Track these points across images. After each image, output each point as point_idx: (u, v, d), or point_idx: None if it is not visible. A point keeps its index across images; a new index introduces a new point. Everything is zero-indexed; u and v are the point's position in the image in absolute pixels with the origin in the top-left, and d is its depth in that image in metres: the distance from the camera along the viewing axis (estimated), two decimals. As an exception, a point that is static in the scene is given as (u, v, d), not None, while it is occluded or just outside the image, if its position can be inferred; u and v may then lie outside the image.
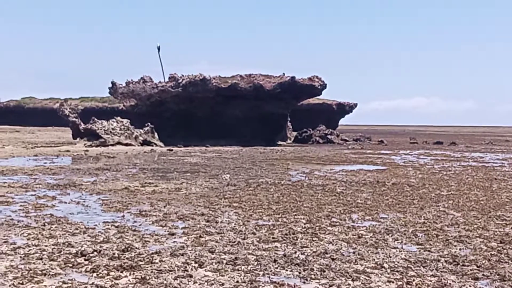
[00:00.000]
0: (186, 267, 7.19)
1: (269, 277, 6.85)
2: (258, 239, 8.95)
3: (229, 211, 11.70)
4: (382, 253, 8.22)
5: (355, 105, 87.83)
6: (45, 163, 23.23)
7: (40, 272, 6.82)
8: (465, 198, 14.39)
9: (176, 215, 11.06)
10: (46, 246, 8.22)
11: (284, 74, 44.63)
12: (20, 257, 7.57)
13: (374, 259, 7.80)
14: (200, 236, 9.07)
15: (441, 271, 7.28)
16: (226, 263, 7.41)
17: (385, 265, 7.50)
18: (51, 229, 9.49)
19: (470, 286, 6.66)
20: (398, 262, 7.67)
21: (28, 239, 8.65)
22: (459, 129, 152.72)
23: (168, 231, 9.53)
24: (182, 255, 7.83)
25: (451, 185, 17.41)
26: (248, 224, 10.25)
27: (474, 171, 22.77)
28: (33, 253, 7.76)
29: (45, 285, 6.32)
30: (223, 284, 6.49)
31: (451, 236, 9.49)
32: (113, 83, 44.94)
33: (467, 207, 12.81)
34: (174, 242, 8.70)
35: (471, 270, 7.36)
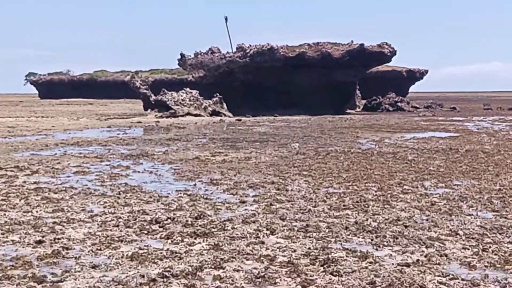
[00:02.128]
0: (258, 234, 7.25)
1: (341, 244, 6.83)
2: (329, 207, 8.93)
3: (299, 179, 11.69)
4: (457, 220, 8.06)
5: (426, 71, 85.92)
6: (118, 134, 23.80)
7: (117, 239, 7.02)
8: (543, 164, 13.91)
9: (246, 183, 11.15)
10: (122, 213, 8.45)
11: (352, 41, 43.96)
12: (98, 224, 7.80)
13: (449, 226, 7.66)
14: (271, 204, 9.12)
15: (519, 238, 7.08)
16: (298, 230, 7.43)
17: (460, 232, 7.36)
18: (126, 197, 9.73)
19: (549, 253, 6.45)
20: (473, 229, 7.50)
21: (104, 207, 8.91)
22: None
23: (239, 199, 9.62)
24: (254, 222, 7.90)
25: (528, 151, 16.85)
26: (319, 192, 10.23)
27: (552, 137, 21.95)
28: (110, 221, 7.99)
29: (122, 251, 6.50)
30: (295, 251, 6.51)
31: (529, 203, 9.20)
32: (182, 55, 45.36)
33: (545, 174, 12.38)
34: (245, 209, 8.78)
35: (550, 237, 7.13)
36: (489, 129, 27.08)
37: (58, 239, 6.99)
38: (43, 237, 7.07)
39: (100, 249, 6.59)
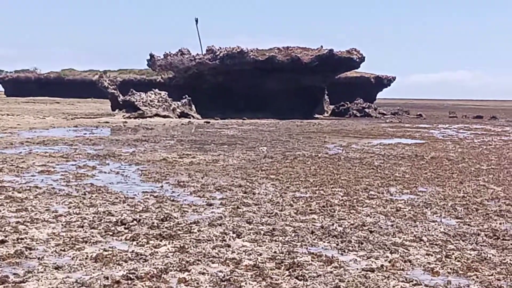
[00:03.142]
0: (224, 237, 7.24)
1: (307, 248, 6.86)
2: (295, 211, 8.96)
3: (266, 182, 11.72)
4: (421, 226, 8.16)
5: (394, 78, 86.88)
6: (85, 133, 23.57)
7: (81, 240, 6.95)
8: (505, 172, 14.17)
9: (213, 186, 11.13)
10: (87, 214, 8.36)
11: (322, 46, 44.24)
12: (62, 224, 7.71)
13: (413, 232, 7.75)
14: (238, 207, 9.12)
15: (481, 245, 7.20)
16: (264, 234, 7.44)
17: (424, 238, 7.45)
18: (92, 198, 9.64)
19: (511, 260, 6.56)
20: (437, 236, 7.60)
21: (69, 208, 8.81)
22: (500, 103, 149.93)
23: (206, 201, 9.60)
24: (220, 225, 7.89)
25: (491, 159, 17.15)
26: (286, 196, 10.27)
27: (515, 146, 22.35)
28: (74, 221, 7.90)
29: (86, 252, 6.43)
30: (261, 254, 6.52)
31: (491, 210, 9.36)
32: (151, 55, 45.15)
33: (508, 182, 12.61)
34: (212, 212, 8.76)
35: (511, 244, 7.26)
36: (454, 136, 27.48)
37: (21, 239, 6.89)
38: (5, 236, 6.95)
39: (64, 250, 6.51)
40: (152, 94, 38.36)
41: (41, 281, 5.50)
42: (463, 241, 7.39)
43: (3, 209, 8.52)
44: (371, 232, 7.71)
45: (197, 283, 5.53)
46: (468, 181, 12.63)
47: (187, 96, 39.48)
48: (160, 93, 38.51)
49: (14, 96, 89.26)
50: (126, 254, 6.36)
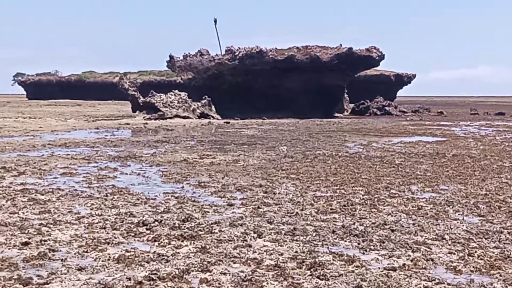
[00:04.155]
0: (245, 237, 7.26)
1: (328, 247, 6.85)
2: (316, 210, 8.95)
3: (286, 182, 11.71)
4: (443, 224, 8.10)
5: (414, 76, 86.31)
6: (106, 135, 23.73)
7: (103, 241, 7.01)
8: (528, 169, 14.01)
9: (234, 186, 11.15)
10: (109, 216, 8.42)
11: (341, 45, 44.10)
12: (84, 226, 7.78)
13: (435, 231, 7.70)
14: (259, 207, 9.12)
15: (504, 243, 7.13)
16: (285, 234, 7.44)
17: (446, 236, 7.40)
18: (113, 199, 9.71)
19: (534, 258, 6.49)
20: (459, 234, 7.55)
21: (91, 209, 8.88)
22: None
23: (226, 202, 9.63)
24: (241, 225, 7.90)
25: (514, 156, 16.97)
26: (306, 195, 10.25)
27: (538, 143, 22.11)
28: (97, 223, 7.96)
29: (108, 253, 6.48)
30: (282, 254, 6.52)
31: (514, 208, 9.26)
32: (170, 57, 45.30)
33: (531, 179, 12.47)
34: (233, 212, 8.78)
35: (535, 242, 7.18)
36: (475, 134, 27.25)
37: (45, 241, 6.96)
38: (29, 238, 7.04)
39: (87, 251, 6.57)
40: (172, 95, 38.50)
41: (64, 282, 5.55)
42: (485, 239, 7.34)
43: (27, 211, 8.62)
44: (392, 231, 7.68)
45: (219, 283, 5.55)
46: (491, 178, 12.52)
47: (206, 96, 39.58)
48: (180, 94, 38.64)
49: (36, 99, 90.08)
50: (148, 255, 6.40)
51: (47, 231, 7.44)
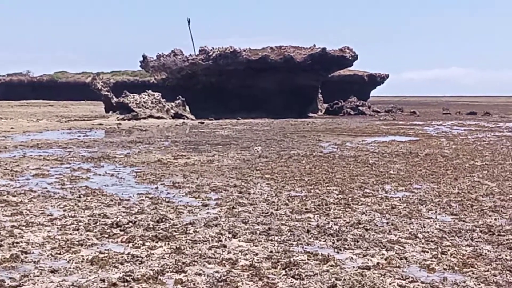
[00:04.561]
0: (220, 237, 7.24)
1: (303, 247, 6.87)
2: (291, 210, 8.97)
3: (261, 182, 11.72)
4: (416, 223, 8.18)
5: (387, 76, 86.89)
6: (79, 136, 23.52)
7: (77, 243, 6.94)
8: (500, 168, 14.21)
9: (209, 186, 11.13)
10: (82, 217, 8.35)
11: (314, 45, 44.28)
12: (57, 228, 7.70)
13: (408, 229, 7.77)
14: (233, 207, 9.12)
15: (476, 241, 7.22)
16: (260, 234, 7.44)
17: (419, 235, 7.47)
18: (87, 200, 9.63)
19: (506, 255, 6.58)
20: (432, 232, 7.62)
21: (64, 211, 8.79)
22: (493, 99, 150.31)
23: (201, 202, 9.60)
24: (216, 225, 7.89)
25: (485, 155, 17.20)
26: (281, 195, 10.27)
27: (508, 141, 22.45)
28: (70, 224, 7.89)
29: (82, 255, 6.42)
30: (257, 254, 6.52)
31: (486, 206, 9.39)
32: (144, 57, 45.07)
33: (502, 177, 12.65)
34: (207, 213, 8.76)
35: (507, 240, 7.28)
36: (448, 133, 27.55)
37: (17, 243, 6.87)
38: (1, 241, 6.93)
39: (60, 253, 6.50)
40: (145, 95, 38.31)
41: (38, 284, 5.49)
42: (458, 237, 7.42)
43: (-2, 213, 8.50)
44: (366, 230, 7.73)
45: (194, 284, 5.53)
46: (463, 177, 12.66)
47: (180, 97, 39.45)
48: (153, 94, 38.46)
49: (7, 100, 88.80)
50: (122, 256, 6.36)
51: (19, 233, 7.34)
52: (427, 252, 6.73)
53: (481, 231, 7.71)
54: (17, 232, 7.41)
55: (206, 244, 6.93)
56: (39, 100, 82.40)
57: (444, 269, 6.12)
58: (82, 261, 6.18)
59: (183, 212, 8.79)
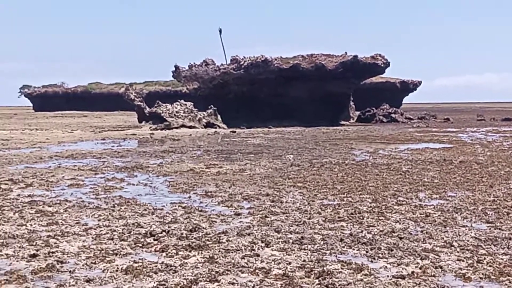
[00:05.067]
0: (253, 246, 7.25)
1: (336, 256, 6.83)
2: (323, 219, 8.93)
3: (293, 191, 11.70)
4: (451, 231, 8.07)
5: (419, 82, 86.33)
6: (113, 146, 23.77)
7: (111, 252, 7.00)
8: (536, 175, 13.96)
9: (241, 195, 11.14)
10: (116, 226, 8.43)
11: (346, 53, 44.16)
12: (92, 237, 7.78)
13: (443, 238, 7.67)
14: (266, 216, 9.11)
15: (513, 250, 7.10)
16: (293, 243, 7.43)
17: (455, 243, 7.37)
18: (121, 210, 9.72)
19: (544, 264, 6.46)
20: (468, 241, 7.52)
21: (99, 220, 8.89)
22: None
23: (234, 211, 9.62)
24: (249, 234, 7.89)
25: (521, 162, 16.91)
26: (313, 203, 10.24)
27: (545, 148, 22.04)
28: (104, 234, 7.97)
29: (116, 265, 6.48)
30: (290, 263, 6.51)
31: (523, 214, 9.22)
32: (176, 67, 45.42)
33: (539, 185, 12.43)
34: (240, 222, 8.77)
35: (544, 248, 7.15)
36: (482, 140, 27.18)
37: (53, 252, 6.97)
38: (37, 250, 7.04)
39: (95, 263, 6.57)
40: (178, 105, 38.59)
41: (73, 294, 5.54)
42: (494, 245, 7.30)
43: (34, 223, 8.63)
44: (400, 238, 7.65)
45: (227, 293, 5.53)
46: (498, 184, 12.47)
47: (212, 106, 39.64)
48: (185, 104, 38.73)
49: (42, 111, 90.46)
50: (156, 266, 6.40)
51: (55, 243, 7.44)
52: (463, 260, 6.63)
53: (518, 239, 7.58)
54: (52, 242, 7.51)
55: (239, 253, 6.94)
56: (73, 111, 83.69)
57: (480, 278, 6.03)
58: (116, 271, 6.24)
59: (216, 221, 8.81)
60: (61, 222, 8.74)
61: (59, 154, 19.95)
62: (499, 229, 8.24)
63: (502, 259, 6.67)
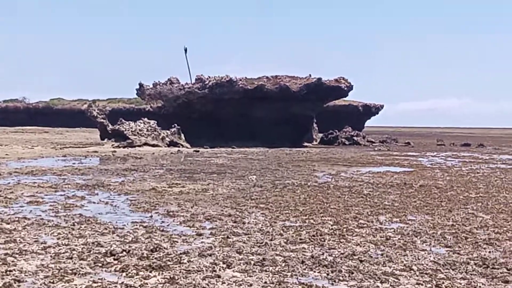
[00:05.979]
0: (214, 267, 7.22)
1: (297, 278, 6.85)
2: (285, 240, 8.95)
3: (256, 212, 11.71)
4: (411, 255, 8.17)
5: (382, 106, 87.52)
6: (74, 163, 23.49)
7: (70, 271, 6.90)
8: (494, 200, 14.24)
9: (203, 215, 11.11)
10: (76, 245, 8.32)
11: (310, 75, 44.59)
12: (51, 256, 7.66)
13: (403, 261, 7.76)
14: (228, 237, 9.10)
15: (471, 274, 7.22)
16: (254, 264, 7.43)
17: (414, 267, 7.46)
18: (81, 228, 9.59)
19: (500, 289, 6.58)
20: (427, 265, 7.61)
21: (58, 239, 8.76)
22: (487, 131, 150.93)
23: (195, 231, 9.58)
24: (210, 255, 7.87)
25: (479, 187, 17.24)
26: (275, 225, 10.26)
27: (503, 173, 22.52)
28: (63, 253, 7.85)
29: (75, 284, 6.39)
30: (251, 285, 6.50)
31: (481, 239, 9.40)
32: (140, 85, 45.28)
33: (496, 210, 12.68)
34: (202, 242, 8.74)
35: (501, 273, 7.29)
36: (442, 164, 27.60)
37: (10, 271, 6.84)
38: (-6, 269, 6.90)
39: (53, 282, 6.46)
40: (141, 123, 38.41)
41: (30, 314, 5.45)
42: (453, 270, 7.41)
43: (-9, 241, 8.46)
44: (361, 261, 7.72)
45: (188, 315, 5.50)
46: (457, 209, 12.68)
47: (176, 125, 39.55)
48: (149, 122, 38.57)
49: (2, 126, 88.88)
50: (116, 286, 6.33)
51: (13, 261, 7.31)
52: (422, 284, 6.72)
53: (475, 264, 7.71)
54: (10, 260, 7.38)
55: (200, 274, 6.91)
56: (34, 127, 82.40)
57: (439, 302, 6.10)
58: (75, 290, 6.15)
59: (177, 241, 8.76)
60: (19, 240, 8.59)
61: (18, 170, 19.63)
62: (458, 253, 8.37)
63: (460, 284, 6.77)
